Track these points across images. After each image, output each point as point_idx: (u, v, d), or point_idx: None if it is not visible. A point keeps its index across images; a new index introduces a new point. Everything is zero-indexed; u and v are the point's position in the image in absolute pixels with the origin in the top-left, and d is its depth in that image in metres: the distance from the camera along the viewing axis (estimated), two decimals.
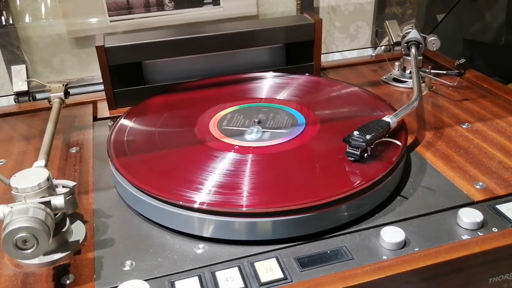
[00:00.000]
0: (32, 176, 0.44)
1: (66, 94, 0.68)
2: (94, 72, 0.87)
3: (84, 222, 0.50)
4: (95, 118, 0.73)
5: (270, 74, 0.75)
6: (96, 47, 0.69)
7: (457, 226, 0.46)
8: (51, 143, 0.55)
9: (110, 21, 0.85)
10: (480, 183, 0.52)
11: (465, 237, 0.45)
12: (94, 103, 0.76)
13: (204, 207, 0.46)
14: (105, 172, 0.58)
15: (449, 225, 0.47)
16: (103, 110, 0.74)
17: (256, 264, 0.43)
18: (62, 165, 0.60)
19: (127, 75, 0.73)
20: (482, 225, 0.46)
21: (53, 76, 0.86)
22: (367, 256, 0.43)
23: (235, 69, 0.77)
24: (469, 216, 0.46)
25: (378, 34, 0.93)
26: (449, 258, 0.42)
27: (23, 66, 0.81)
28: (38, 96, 0.81)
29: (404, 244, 0.44)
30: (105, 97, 0.73)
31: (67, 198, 0.46)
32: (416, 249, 0.44)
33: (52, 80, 0.83)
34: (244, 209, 0.45)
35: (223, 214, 0.45)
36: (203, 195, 0.47)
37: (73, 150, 0.64)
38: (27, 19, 0.82)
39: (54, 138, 0.65)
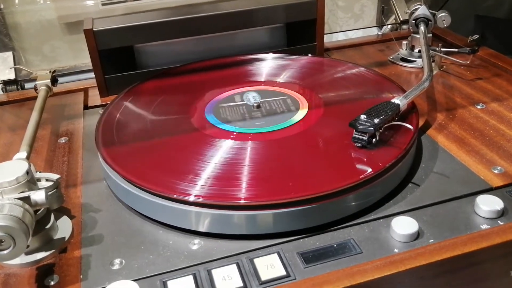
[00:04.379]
0: (10, 170, 0.42)
1: (54, 81, 0.66)
2: (87, 59, 0.82)
3: (71, 217, 0.47)
4: (86, 107, 0.70)
5: (270, 55, 0.72)
6: (84, 30, 0.67)
7: (475, 214, 0.44)
8: (35, 134, 0.53)
9: (102, 4, 0.82)
10: (499, 168, 0.50)
11: (484, 226, 0.43)
12: (86, 91, 0.73)
13: (200, 200, 0.43)
14: (94, 163, 0.55)
15: (466, 213, 0.44)
16: (95, 97, 0.72)
17: (256, 260, 0.40)
18: (50, 157, 0.58)
19: (118, 60, 0.70)
20: (502, 213, 0.43)
21: (44, 64, 0.84)
22: (377, 250, 0.41)
23: (233, 52, 0.74)
24: (488, 204, 0.43)
25: (384, 11, 0.90)
26: (467, 251, 0.40)
27: (10, 53, 0.78)
28: (27, 85, 0.78)
29: (417, 236, 0.42)
30: (96, 84, 0.71)
31: (49, 193, 0.44)
32: (430, 240, 0.41)
33: (44, 69, 0.80)
34: (242, 202, 0.42)
35: (220, 207, 0.43)
36: (198, 187, 0.44)
37: (62, 140, 0.61)
38: (15, 3, 0.78)
39: (42, 128, 0.64)
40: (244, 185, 0.44)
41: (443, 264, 0.39)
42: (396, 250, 0.40)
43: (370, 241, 0.42)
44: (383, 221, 0.44)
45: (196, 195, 0.43)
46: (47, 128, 0.64)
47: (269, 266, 0.39)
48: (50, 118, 0.67)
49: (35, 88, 0.64)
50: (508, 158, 0.51)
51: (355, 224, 0.44)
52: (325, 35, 0.77)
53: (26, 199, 0.40)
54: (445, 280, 0.41)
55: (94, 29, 0.66)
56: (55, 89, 0.69)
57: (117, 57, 0.70)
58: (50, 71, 0.65)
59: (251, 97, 0.55)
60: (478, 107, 0.62)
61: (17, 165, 0.42)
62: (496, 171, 0.49)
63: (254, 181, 0.45)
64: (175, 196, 0.43)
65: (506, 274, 0.43)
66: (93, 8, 0.81)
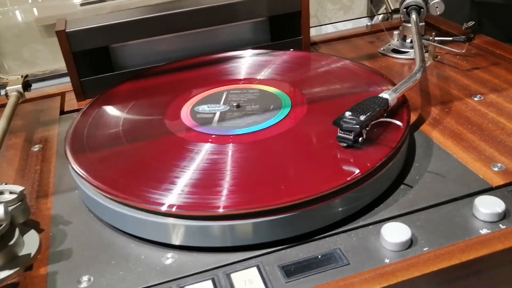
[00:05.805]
0: None
1: (27, 87, 0.64)
2: None
3: (40, 231, 0.45)
4: (63, 112, 0.68)
5: (249, 52, 0.70)
6: (56, 32, 0.65)
7: (474, 218, 0.42)
8: (1, 142, 0.51)
9: (81, 5, 0.80)
10: (499, 165, 0.48)
11: (484, 231, 0.40)
12: (63, 95, 0.72)
13: (173, 210, 0.41)
14: (67, 172, 0.53)
15: (464, 217, 0.42)
16: (72, 102, 0.70)
17: (233, 275, 0.38)
18: (22, 166, 0.56)
19: (94, 61, 0.68)
20: (504, 216, 0.41)
21: (25, 69, 0.82)
22: (365, 260, 0.39)
23: (214, 49, 0.71)
24: (487, 205, 0.41)
25: (374, 1, 0.88)
26: (466, 259, 0.38)
27: None
28: (3, 91, 0.75)
29: (410, 244, 0.40)
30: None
31: (12, 207, 0.41)
32: (425, 249, 0.39)
33: (26, 74, 0.78)
34: (219, 211, 0.40)
35: (195, 218, 0.40)
36: (173, 196, 0.42)
37: (36, 148, 0.59)
38: None
39: (15, 136, 0.63)
40: (221, 193, 0.42)
41: (439, 275, 0.37)
42: (386, 261, 0.38)
43: (358, 251, 0.39)
44: (373, 227, 0.42)
45: (169, 205, 0.41)
46: (21, 136, 0.62)
47: (247, 281, 0.37)
48: (25, 124, 0.65)
49: (6, 94, 0.62)
50: (509, 154, 0.49)
51: (342, 232, 0.41)
52: (313, 28, 0.76)
53: None
54: None
55: (66, 30, 0.64)
56: (32, 94, 0.68)
57: (93, 59, 0.68)
58: (22, 76, 0.63)
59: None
60: (476, 99, 0.60)
61: None
62: (496, 169, 0.47)
63: (231, 188, 0.42)
64: (152, 206, 0.41)
65: (510, 283, 0.41)
66: (72, 9, 0.79)
